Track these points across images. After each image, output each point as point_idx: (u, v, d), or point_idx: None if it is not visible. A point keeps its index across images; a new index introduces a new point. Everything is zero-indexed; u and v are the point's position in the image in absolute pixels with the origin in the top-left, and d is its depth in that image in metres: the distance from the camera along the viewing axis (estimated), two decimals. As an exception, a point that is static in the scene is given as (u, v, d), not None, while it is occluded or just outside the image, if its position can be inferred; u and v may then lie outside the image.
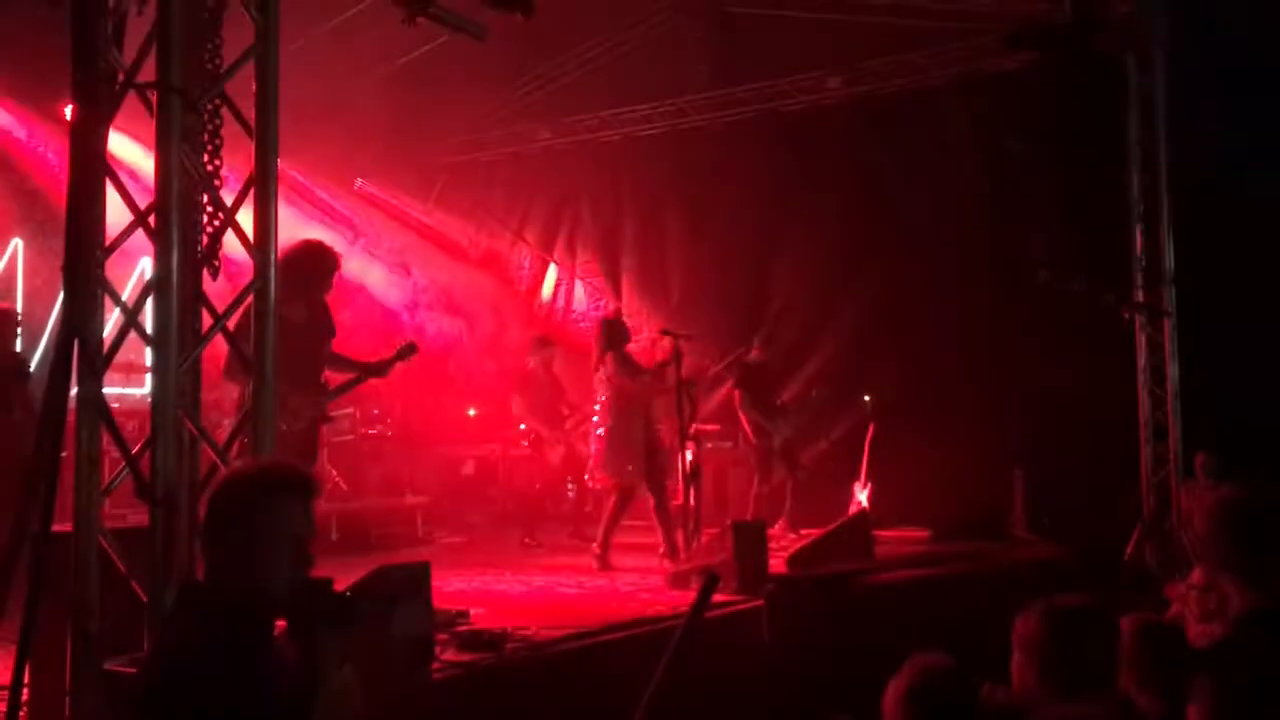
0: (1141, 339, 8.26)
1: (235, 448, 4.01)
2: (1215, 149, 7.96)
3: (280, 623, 2.43)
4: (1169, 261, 8.28)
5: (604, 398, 7.55)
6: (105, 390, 3.91)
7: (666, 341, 7.50)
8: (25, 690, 3.84)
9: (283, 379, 4.03)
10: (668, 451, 7.43)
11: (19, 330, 7.63)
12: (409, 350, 5.89)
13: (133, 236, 3.93)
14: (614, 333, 7.64)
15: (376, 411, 10.58)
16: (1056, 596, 2.84)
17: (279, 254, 3.92)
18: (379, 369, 5.84)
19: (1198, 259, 8.17)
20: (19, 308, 8.68)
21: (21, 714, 3.83)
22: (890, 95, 9.66)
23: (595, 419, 7.70)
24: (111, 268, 3.98)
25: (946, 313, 9.03)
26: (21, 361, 7.63)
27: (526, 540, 8.78)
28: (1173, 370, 8.19)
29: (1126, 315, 8.18)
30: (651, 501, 7.48)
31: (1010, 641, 2.81)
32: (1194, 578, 3.80)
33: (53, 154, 8.54)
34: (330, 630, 2.34)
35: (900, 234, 9.23)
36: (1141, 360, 8.26)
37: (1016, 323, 8.80)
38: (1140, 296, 8.28)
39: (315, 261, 5.72)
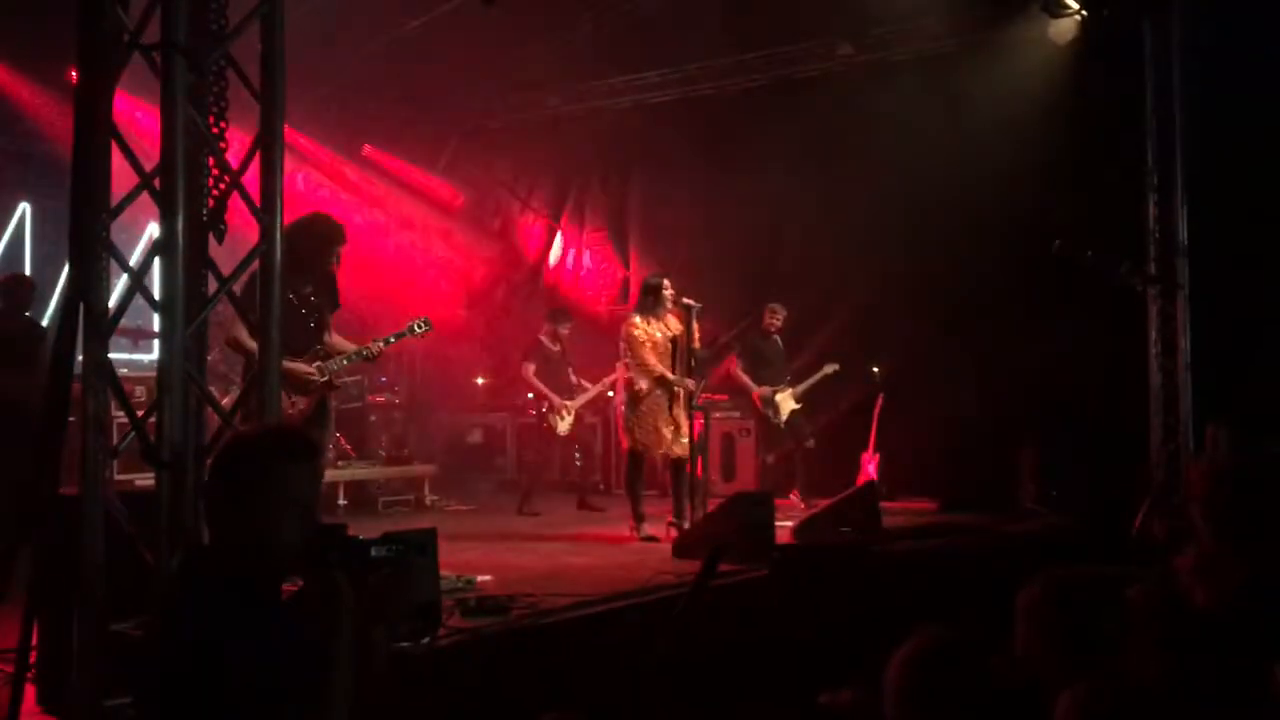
0: (1153, 311, 8.20)
1: (241, 413, 4.01)
2: (1234, 118, 7.85)
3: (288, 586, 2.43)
4: (1183, 233, 8.21)
5: (625, 360, 7.50)
6: (113, 356, 3.91)
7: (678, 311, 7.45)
8: (31, 652, 3.87)
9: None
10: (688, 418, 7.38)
11: (33, 294, 7.69)
12: (417, 328, 5.87)
13: (142, 201, 3.92)
14: (648, 296, 7.50)
15: (384, 379, 10.61)
16: (1060, 567, 2.82)
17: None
18: (370, 354, 5.84)
19: (1214, 230, 8.08)
20: (27, 272, 8.71)
21: (28, 676, 3.85)
22: (903, 62, 9.57)
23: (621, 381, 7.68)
24: (120, 232, 3.97)
25: (957, 283, 8.97)
26: (35, 324, 7.69)
27: (524, 510, 8.79)
28: (1184, 343, 8.13)
29: (1139, 287, 8.11)
30: (661, 469, 7.49)
31: (1013, 613, 2.80)
32: (1200, 549, 3.78)
33: (59, 117, 8.50)
34: (345, 575, 2.34)
35: (912, 203, 9.16)
36: (1153, 332, 8.21)
37: (1028, 293, 8.74)
38: (1153, 268, 8.21)
39: (318, 236, 5.66)
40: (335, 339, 5.85)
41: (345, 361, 5.80)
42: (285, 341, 4.87)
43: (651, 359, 7.25)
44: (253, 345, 5.18)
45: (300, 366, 5.39)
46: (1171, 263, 8.21)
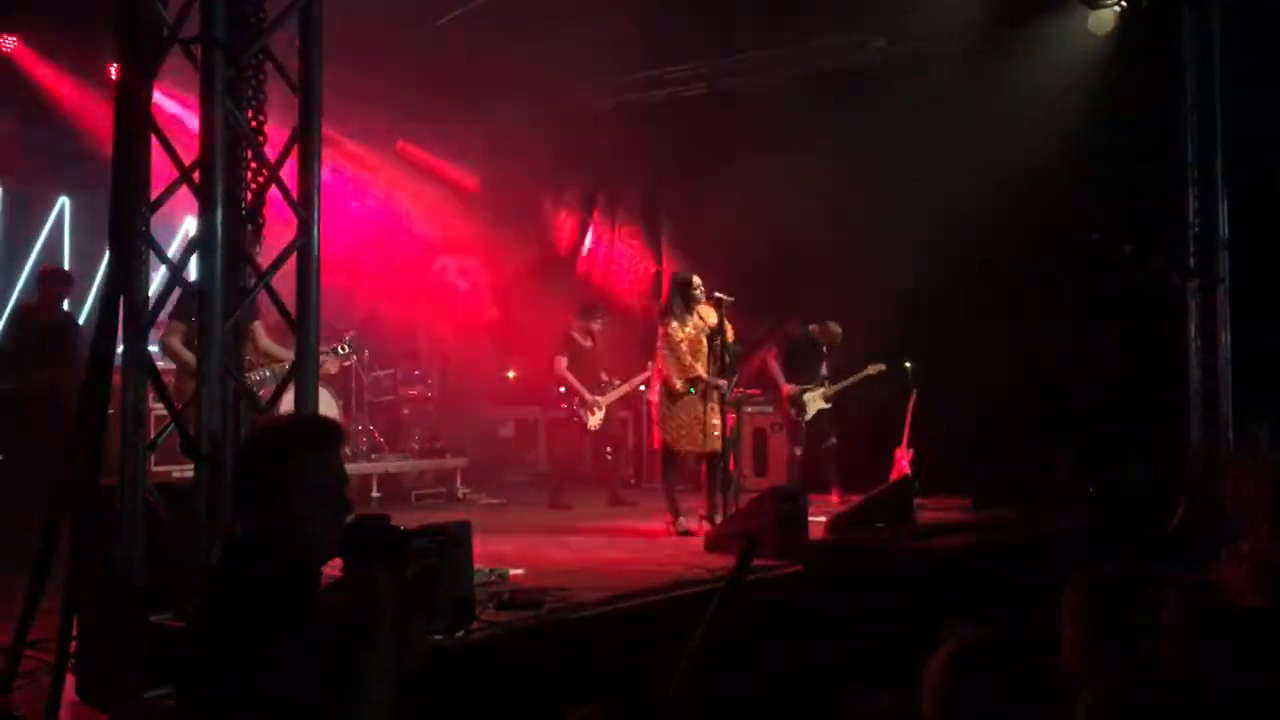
0: (1192, 305, 8.08)
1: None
2: (1275, 108, 7.71)
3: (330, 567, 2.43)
4: (1223, 226, 8.08)
5: (661, 357, 7.50)
6: (151, 348, 3.94)
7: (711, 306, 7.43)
8: (72, 643, 3.91)
9: None
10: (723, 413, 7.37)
11: (70, 287, 7.78)
12: (339, 350, 5.92)
13: (180, 194, 3.94)
14: (677, 295, 7.51)
15: (417, 372, 10.64)
16: (1103, 566, 2.79)
17: None
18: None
19: (1255, 223, 7.95)
20: (67, 266, 8.82)
21: (68, 666, 3.89)
22: (938, 55, 9.46)
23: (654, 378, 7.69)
24: (158, 225, 4.00)
25: (993, 277, 8.89)
26: (71, 318, 7.78)
27: (555, 504, 8.81)
28: (1224, 337, 8.00)
29: (1177, 280, 8.00)
30: (703, 465, 7.48)
31: (1053, 611, 2.77)
32: (1243, 548, 3.73)
33: (99, 112, 8.59)
34: (386, 565, 2.32)
35: (946, 197, 9.05)
36: (1192, 327, 8.09)
37: (1065, 287, 8.64)
38: (1192, 261, 8.09)
39: None
40: (265, 344, 5.93)
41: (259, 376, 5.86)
42: None
43: (687, 359, 7.30)
44: (185, 355, 5.23)
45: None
46: (1212, 256, 8.08)
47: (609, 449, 9.87)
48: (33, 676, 4.06)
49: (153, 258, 3.95)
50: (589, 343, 9.25)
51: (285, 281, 3.97)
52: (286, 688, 2.18)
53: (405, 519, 3.00)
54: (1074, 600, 2.69)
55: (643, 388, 9.55)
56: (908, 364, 9.07)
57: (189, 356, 5.24)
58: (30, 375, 7.18)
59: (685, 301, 7.42)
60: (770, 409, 9.73)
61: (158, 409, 5.54)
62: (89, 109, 8.69)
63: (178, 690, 2.60)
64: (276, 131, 4.00)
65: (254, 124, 3.86)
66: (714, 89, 10.73)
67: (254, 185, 3.87)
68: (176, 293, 4.26)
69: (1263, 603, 3.20)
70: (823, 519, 6.88)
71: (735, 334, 7.53)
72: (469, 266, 12.14)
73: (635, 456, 10.73)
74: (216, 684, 2.23)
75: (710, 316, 7.37)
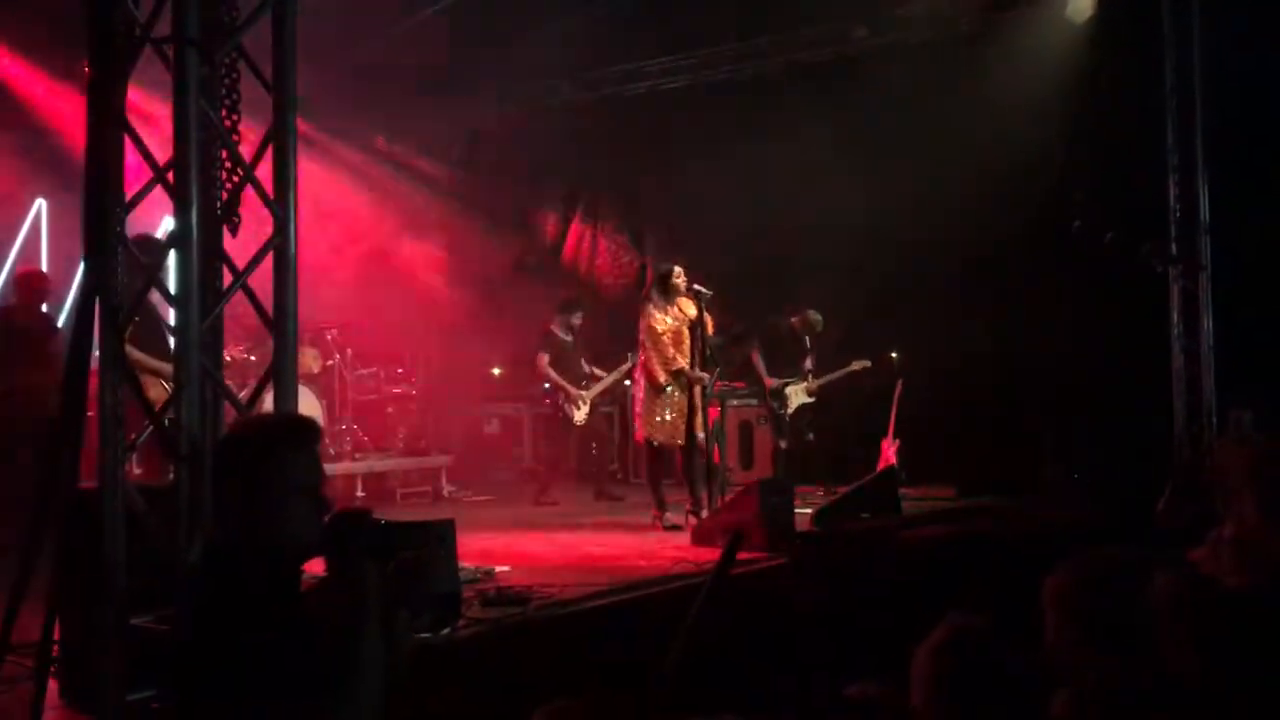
0: (1175, 291, 8.11)
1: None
2: (1255, 94, 7.74)
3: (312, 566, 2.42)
4: (1204, 211, 8.11)
5: (644, 350, 7.48)
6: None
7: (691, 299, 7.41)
8: (54, 646, 3.88)
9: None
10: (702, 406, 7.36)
11: (48, 289, 7.72)
12: None
13: (156, 194, 3.90)
14: (658, 285, 7.50)
15: (400, 370, 10.60)
16: (1087, 553, 2.79)
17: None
18: None
19: (1236, 209, 7.98)
20: (45, 268, 8.75)
21: (50, 670, 3.86)
22: (920, 44, 9.46)
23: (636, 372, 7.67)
24: (135, 226, 3.97)
25: (976, 266, 8.90)
26: (50, 319, 7.72)
27: (541, 500, 8.80)
28: (1207, 323, 8.03)
29: (1159, 267, 8.02)
30: (679, 457, 7.46)
31: (1039, 600, 2.76)
32: (1226, 532, 3.73)
33: (74, 112, 8.52)
34: (371, 559, 2.33)
35: (929, 186, 9.07)
36: (1174, 313, 8.12)
37: (1048, 276, 8.66)
38: (1174, 247, 8.11)
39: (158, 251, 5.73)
40: None
41: None
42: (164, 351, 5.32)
43: (670, 350, 7.27)
44: (134, 354, 5.20)
45: (154, 363, 5.68)
46: (1193, 242, 8.11)
47: (594, 444, 9.86)
48: (15, 682, 4.03)
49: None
50: (570, 338, 9.23)
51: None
52: (278, 689, 2.17)
53: (390, 518, 2.99)
54: (1058, 588, 2.68)
55: (627, 381, 9.55)
56: (894, 354, 9.09)
57: (138, 355, 5.23)
58: (9, 378, 7.13)
59: (666, 292, 7.39)
60: (755, 401, 9.73)
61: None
62: (64, 110, 8.62)
63: (169, 695, 2.58)
64: (252, 130, 3.96)
65: (228, 123, 3.82)
66: (694, 81, 10.71)
67: (229, 184, 3.83)
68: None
69: (1247, 582, 3.20)
70: (809, 510, 6.88)
71: (715, 327, 7.51)
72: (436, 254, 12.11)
73: (621, 451, 10.72)
74: (208, 687, 2.22)
75: (690, 309, 7.34)
